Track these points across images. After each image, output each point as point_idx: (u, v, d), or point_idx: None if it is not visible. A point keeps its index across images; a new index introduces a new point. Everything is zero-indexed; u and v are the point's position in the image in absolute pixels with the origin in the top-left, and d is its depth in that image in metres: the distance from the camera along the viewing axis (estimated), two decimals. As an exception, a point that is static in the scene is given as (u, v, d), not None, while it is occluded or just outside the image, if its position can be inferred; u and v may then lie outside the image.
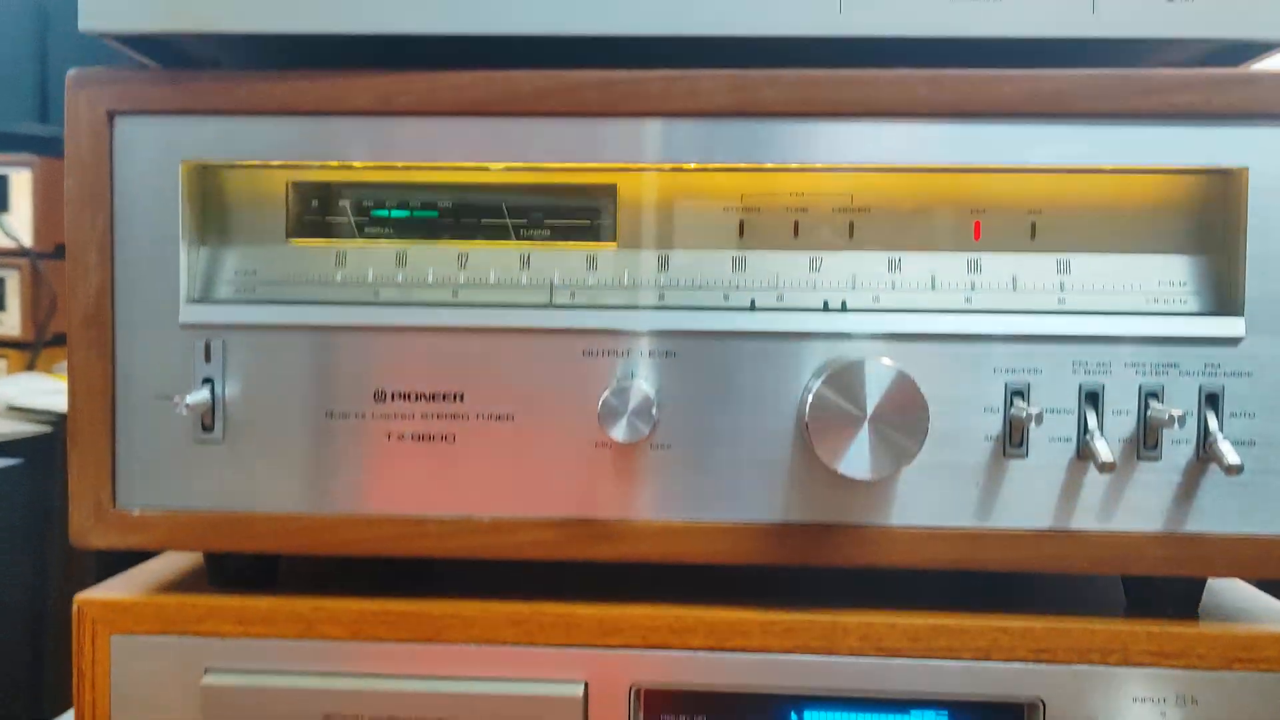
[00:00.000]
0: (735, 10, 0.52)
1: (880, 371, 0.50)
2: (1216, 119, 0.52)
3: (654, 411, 0.51)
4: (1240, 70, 0.52)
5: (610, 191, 0.56)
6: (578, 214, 0.57)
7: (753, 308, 0.54)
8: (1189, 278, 0.54)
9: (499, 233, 0.57)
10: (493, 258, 0.57)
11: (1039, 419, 0.50)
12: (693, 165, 0.54)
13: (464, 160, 0.54)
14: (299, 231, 0.57)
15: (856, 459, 0.50)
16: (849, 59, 0.54)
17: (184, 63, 0.58)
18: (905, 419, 0.49)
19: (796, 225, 0.56)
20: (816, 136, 0.53)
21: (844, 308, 0.54)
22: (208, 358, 0.55)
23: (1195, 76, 0.52)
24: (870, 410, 0.50)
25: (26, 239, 1.88)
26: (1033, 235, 0.55)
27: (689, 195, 0.56)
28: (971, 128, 0.53)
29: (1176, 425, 0.50)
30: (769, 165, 0.54)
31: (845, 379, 0.50)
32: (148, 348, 0.55)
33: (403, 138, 0.54)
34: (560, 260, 0.56)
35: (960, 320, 0.53)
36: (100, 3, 0.53)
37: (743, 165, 0.54)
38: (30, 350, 1.85)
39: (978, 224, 0.56)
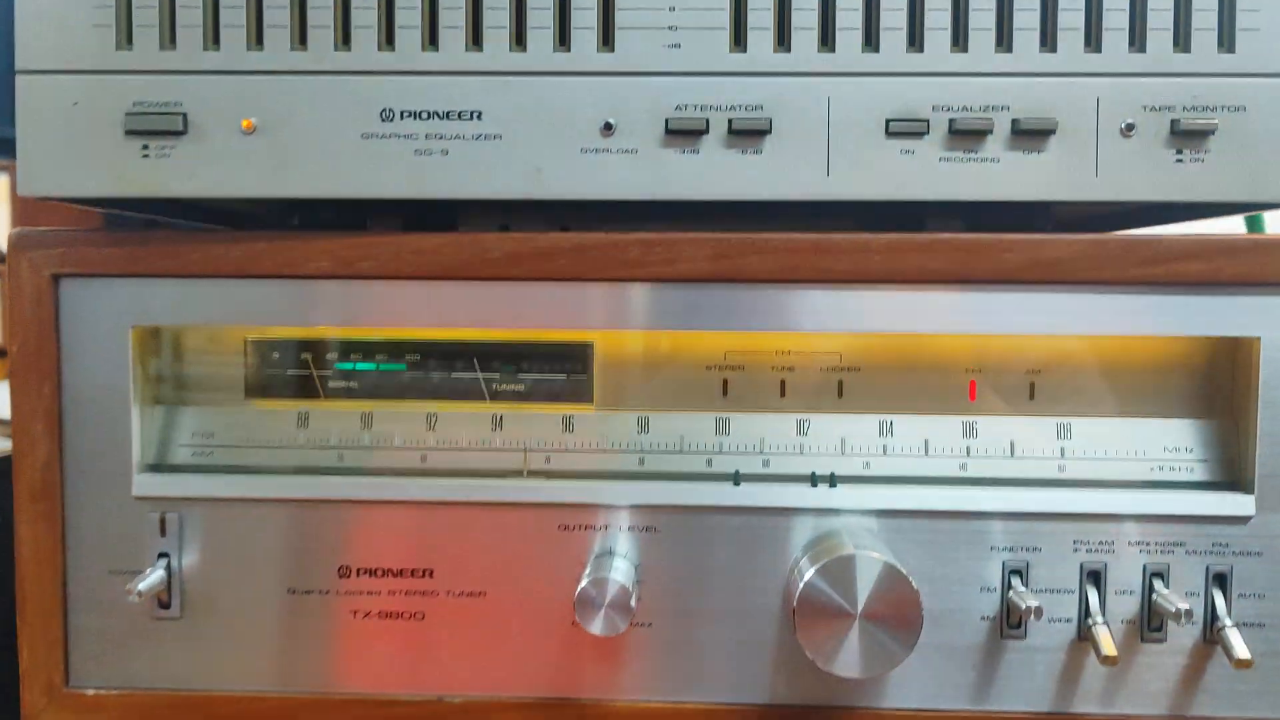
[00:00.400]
0: (718, 174, 0.49)
1: (871, 566, 0.47)
2: (1226, 287, 0.49)
3: (632, 603, 0.49)
4: (1252, 236, 0.50)
5: (587, 350, 0.54)
6: (553, 368, 0.54)
7: (737, 482, 0.52)
8: (1195, 444, 0.52)
9: (470, 388, 0.54)
10: (464, 419, 0.54)
11: (1038, 612, 0.48)
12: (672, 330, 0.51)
13: (430, 325, 0.51)
14: (259, 390, 0.55)
15: (846, 659, 0.47)
16: (837, 215, 0.51)
17: (136, 209, 0.55)
18: (898, 618, 0.47)
19: (783, 384, 0.53)
20: (802, 303, 0.50)
21: (833, 481, 0.51)
22: (163, 532, 0.52)
23: (1203, 243, 0.49)
24: (861, 607, 0.47)
25: (3, 244, 1.84)
26: (1031, 396, 0.53)
27: (670, 353, 0.53)
28: (966, 295, 0.50)
29: (1183, 619, 0.47)
30: (752, 332, 0.51)
31: (835, 572, 0.47)
32: (100, 521, 0.52)
33: (366, 301, 0.51)
34: (535, 422, 0.53)
35: (955, 495, 0.51)
36: (39, 169, 0.49)
37: (725, 331, 0.51)
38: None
39: (973, 383, 0.53)
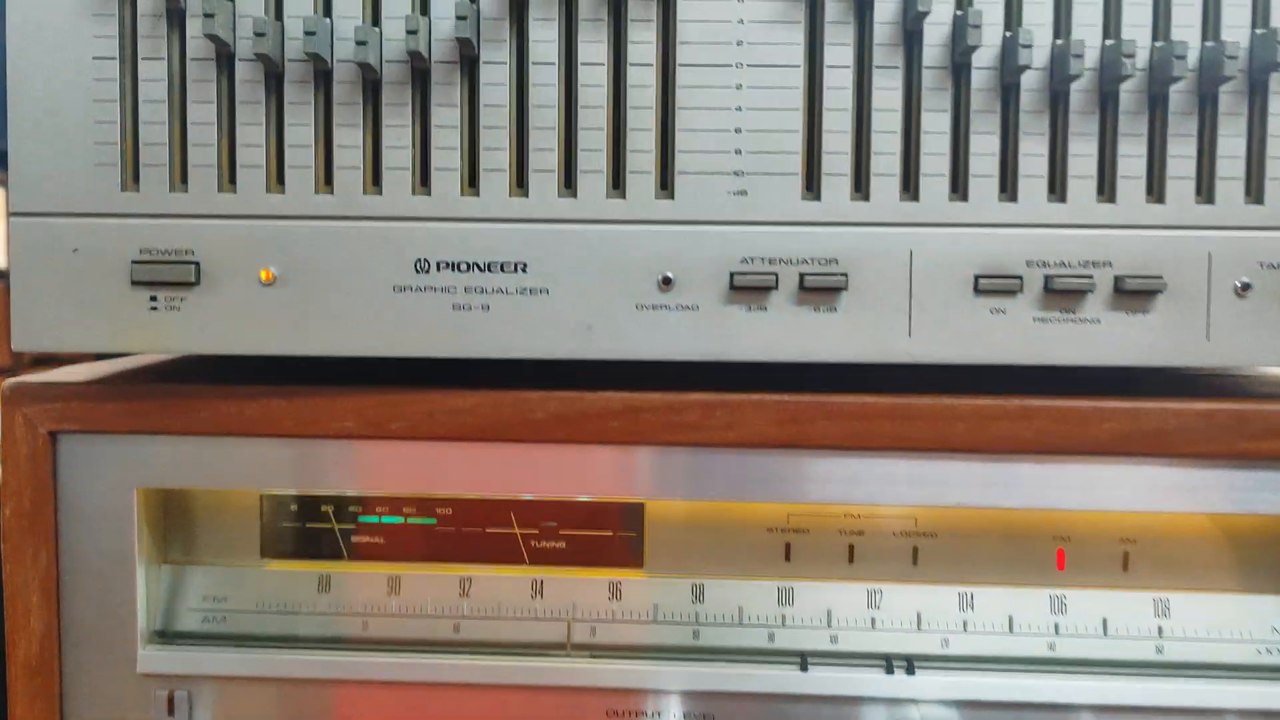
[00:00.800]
0: (788, 334, 0.44)
1: (958, 779, 0.42)
2: (1349, 463, 0.44)
3: (691, 810, 0.44)
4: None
5: (637, 510, 0.49)
6: (599, 525, 0.49)
7: (804, 666, 0.47)
8: (1306, 624, 0.47)
9: (507, 545, 0.49)
10: (501, 583, 0.49)
11: (1141, 829, 0.43)
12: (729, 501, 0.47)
13: (465, 490, 0.47)
14: (275, 548, 0.50)
15: None
16: (915, 378, 0.46)
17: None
18: (987, 838, 0.42)
19: (851, 550, 0.49)
20: (876, 473, 0.45)
21: (910, 667, 0.47)
22: (170, 711, 0.48)
23: (1327, 417, 0.44)
24: (946, 825, 0.42)
25: (0, 259, 1.79)
26: (1125, 567, 0.48)
27: (728, 513, 0.49)
28: (1059, 468, 0.45)
29: (1302, 839, 0.43)
30: (820, 504, 0.46)
31: (917, 785, 0.43)
32: (102, 699, 0.48)
33: (395, 463, 0.46)
34: (579, 587, 0.49)
35: (1043, 685, 0.46)
36: (36, 321, 0.45)
37: (789, 505, 0.47)
38: (10, 375, 1.76)
39: (1061, 552, 0.48)
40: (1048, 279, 0.44)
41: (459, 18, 0.42)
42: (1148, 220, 0.44)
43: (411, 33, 0.42)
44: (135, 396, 0.46)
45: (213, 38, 0.43)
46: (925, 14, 0.42)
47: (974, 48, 0.42)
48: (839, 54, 0.44)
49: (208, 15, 0.42)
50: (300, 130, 0.44)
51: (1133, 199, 0.44)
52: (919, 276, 0.44)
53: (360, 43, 0.42)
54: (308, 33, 0.42)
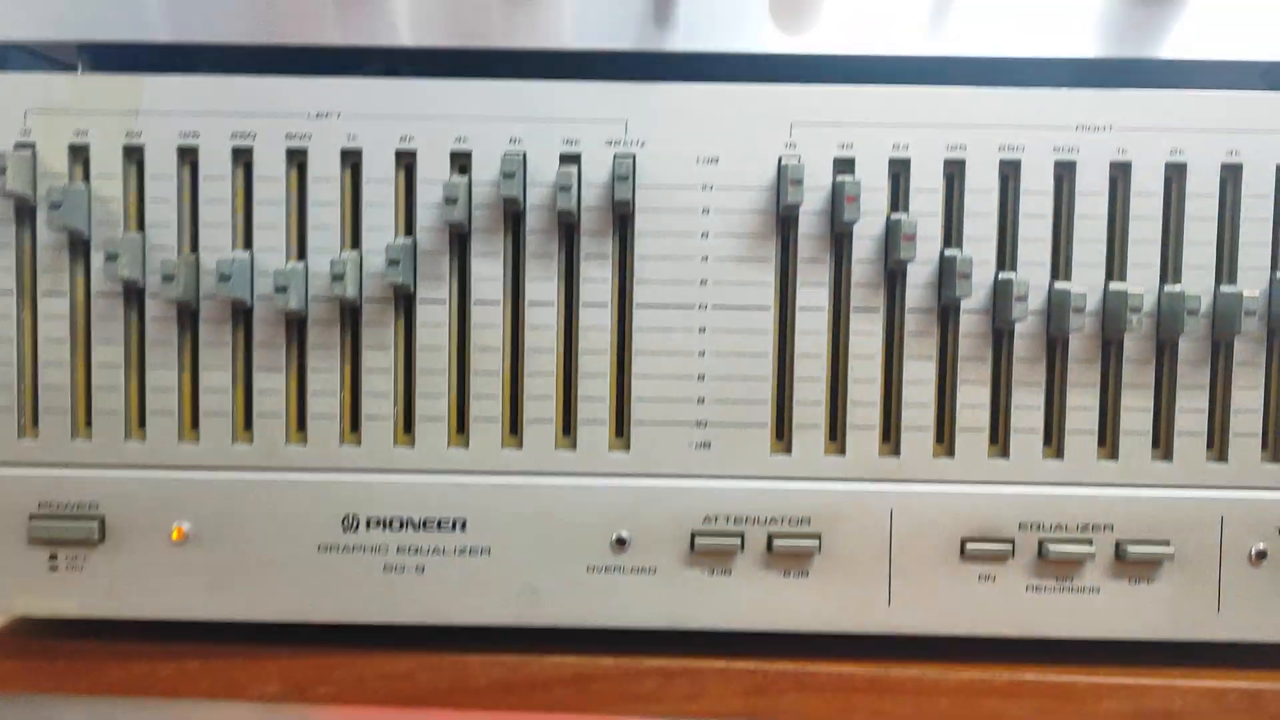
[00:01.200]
0: (754, 601, 0.40)
1: None
2: (1374, 749, 0.40)
3: None
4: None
5: (590, 766, 0.45)
6: (550, 774, 0.45)
7: None
8: None
9: (450, 796, 0.45)
10: (441, 843, 0.45)
11: None
12: (696, 774, 0.42)
13: (402, 758, 0.42)
14: (197, 799, 0.45)
15: None
16: (896, 642, 0.42)
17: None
18: None
19: (826, 811, 0.44)
20: (856, 748, 0.41)
21: None
22: None
23: (1350, 702, 0.40)
24: None
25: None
26: (1124, 836, 0.44)
27: (690, 771, 0.44)
28: (1056, 747, 0.41)
29: None
30: (794, 780, 0.42)
31: None
32: None
33: (324, 727, 0.42)
34: None
35: None
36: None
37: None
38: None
39: (1055, 818, 0.44)
40: (1042, 544, 0.40)
41: (390, 262, 0.38)
42: (1153, 479, 0.40)
43: (338, 278, 0.38)
44: (37, 655, 0.42)
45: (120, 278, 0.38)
46: (908, 260, 0.38)
47: (962, 297, 0.38)
48: (813, 295, 0.39)
49: (110, 258, 0.38)
50: (216, 373, 0.40)
51: (1137, 456, 0.40)
52: (899, 539, 0.40)
53: (280, 289, 0.38)
54: (223, 277, 0.38)
